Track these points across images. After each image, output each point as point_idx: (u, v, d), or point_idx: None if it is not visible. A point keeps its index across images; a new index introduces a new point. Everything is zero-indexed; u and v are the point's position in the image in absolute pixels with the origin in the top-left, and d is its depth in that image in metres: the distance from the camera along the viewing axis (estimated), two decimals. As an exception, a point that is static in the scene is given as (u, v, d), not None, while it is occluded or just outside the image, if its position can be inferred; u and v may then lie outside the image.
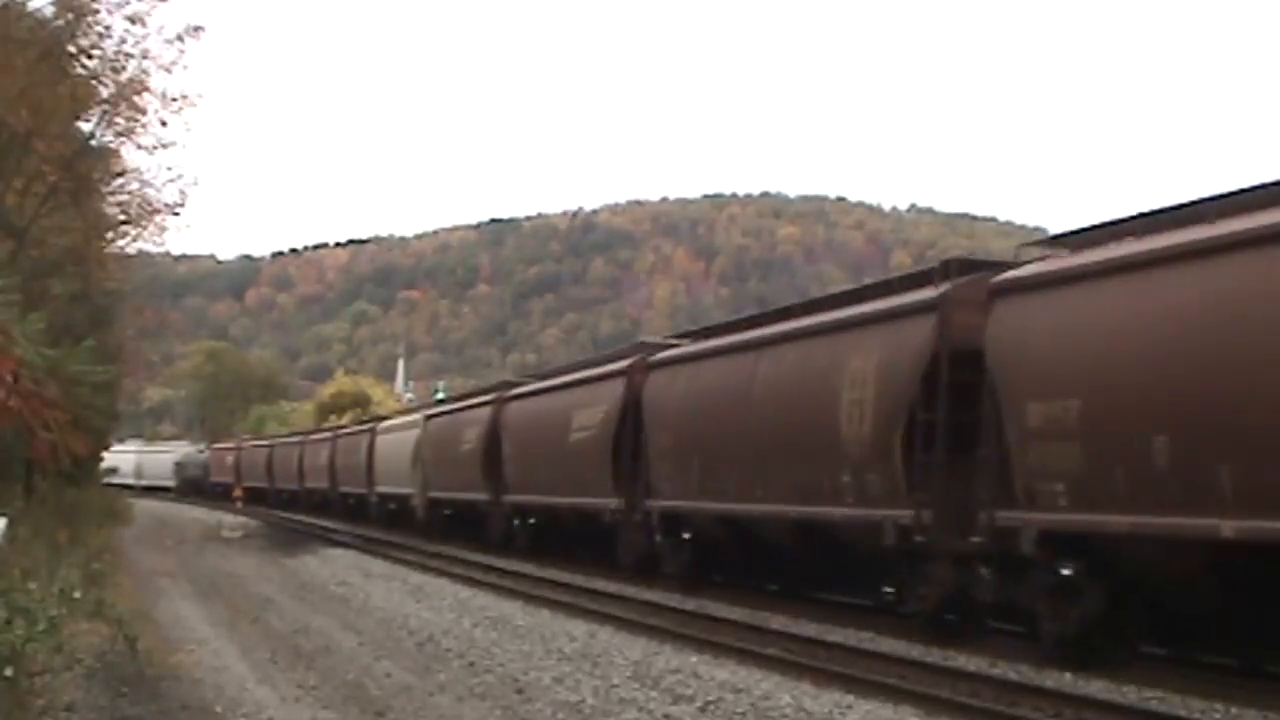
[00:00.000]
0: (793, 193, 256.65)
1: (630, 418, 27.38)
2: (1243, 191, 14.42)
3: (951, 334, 17.51)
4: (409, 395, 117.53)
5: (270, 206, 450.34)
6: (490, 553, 33.88)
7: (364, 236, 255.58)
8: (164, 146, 32.97)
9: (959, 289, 17.83)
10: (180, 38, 31.60)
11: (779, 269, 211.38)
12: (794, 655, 16.10)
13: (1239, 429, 13.02)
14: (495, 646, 17.24)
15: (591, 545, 29.79)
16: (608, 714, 12.64)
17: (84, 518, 34.12)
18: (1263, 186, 14.14)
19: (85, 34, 31.43)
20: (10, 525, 18.17)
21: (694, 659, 16.09)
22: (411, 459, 45.16)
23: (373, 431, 53.50)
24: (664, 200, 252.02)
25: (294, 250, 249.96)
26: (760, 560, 23.52)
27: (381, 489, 50.30)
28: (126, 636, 14.20)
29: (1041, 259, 17.33)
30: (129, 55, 31.59)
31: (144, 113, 32.22)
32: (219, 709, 12.41)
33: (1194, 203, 15.00)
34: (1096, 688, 13.90)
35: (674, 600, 22.86)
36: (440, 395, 74.73)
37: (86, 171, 34.43)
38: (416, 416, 48.83)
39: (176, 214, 35.67)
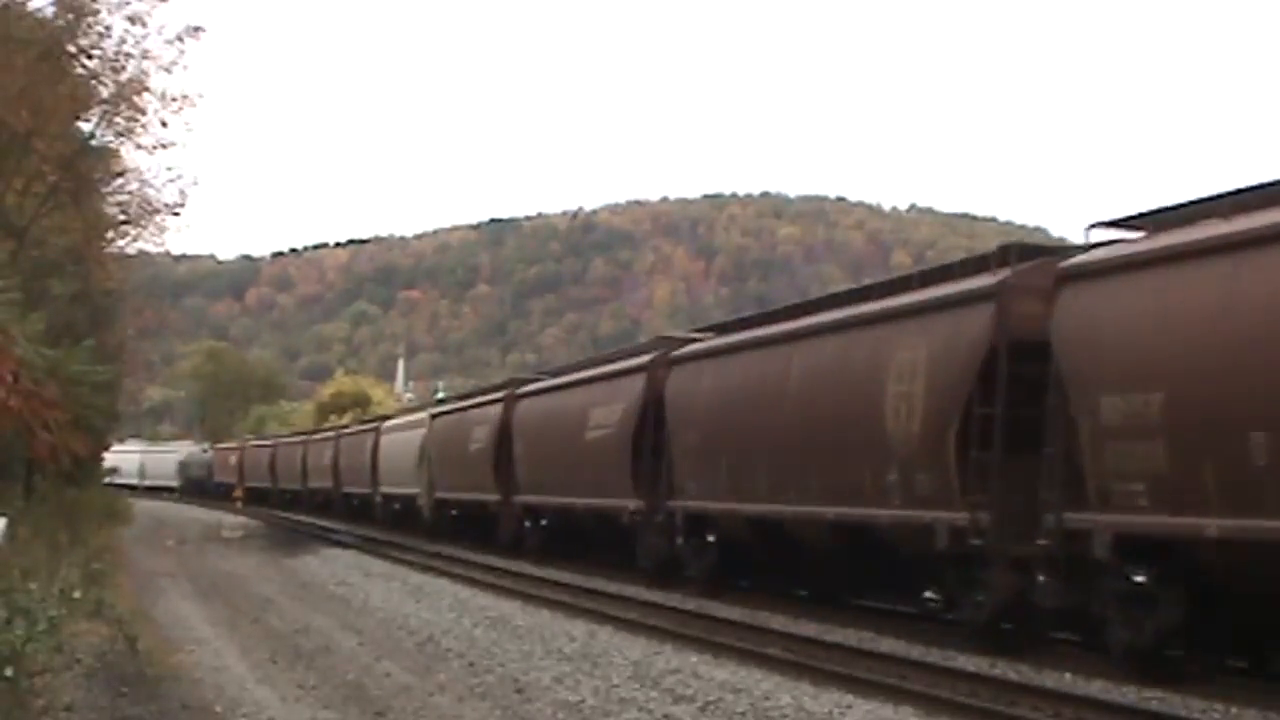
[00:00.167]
0: (793, 193, 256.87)
1: (651, 415, 26.36)
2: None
3: (1011, 323, 16.46)
4: (409, 395, 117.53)
5: (270, 206, 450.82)
6: (490, 553, 33.85)
7: (364, 236, 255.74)
8: (164, 146, 33.04)
9: (1020, 275, 16.72)
10: (180, 38, 31.71)
11: (779, 269, 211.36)
12: (794, 655, 16.09)
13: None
14: (495, 646, 17.24)
15: (608, 548, 29.04)
16: (608, 714, 12.63)
17: (84, 518, 34.10)
18: None
19: (85, 34, 31.49)
20: (10, 525, 18.18)
21: (694, 659, 16.08)
22: (417, 458, 44.48)
23: (377, 431, 52.76)
24: (664, 200, 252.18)
25: (294, 250, 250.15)
26: (790, 564, 22.55)
27: (386, 489, 49.72)
28: (126, 636, 14.21)
29: (1110, 243, 16.05)
30: (129, 55, 31.69)
31: (144, 113, 32.28)
32: (219, 709, 12.40)
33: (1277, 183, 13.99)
34: (1096, 688, 13.91)
35: (674, 600, 22.87)
36: (440, 395, 74.62)
37: (86, 171, 34.47)
38: (422, 415, 47.97)
39: (176, 214, 35.81)
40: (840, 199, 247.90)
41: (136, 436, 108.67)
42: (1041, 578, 15.69)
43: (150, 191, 35.57)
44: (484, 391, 44.22)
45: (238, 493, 76.67)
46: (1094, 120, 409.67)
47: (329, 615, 21.38)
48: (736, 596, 22.70)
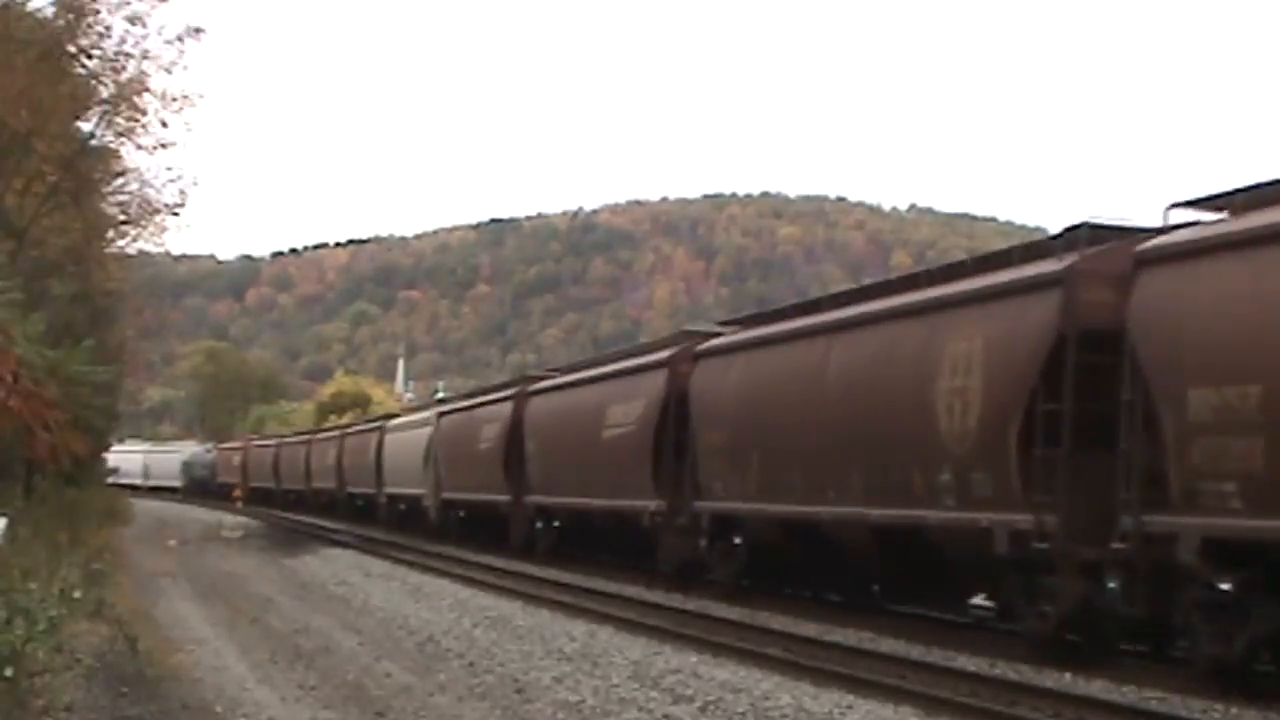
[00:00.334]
0: (793, 193, 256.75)
1: (674, 412, 25.20)
2: None
3: (1079, 311, 15.36)
4: (409, 395, 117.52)
5: (270, 206, 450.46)
6: (490, 552, 33.82)
7: (364, 236, 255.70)
8: (164, 146, 33.09)
9: (1090, 260, 15.57)
10: (180, 38, 31.75)
11: (779, 269, 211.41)
12: (794, 655, 16.08)
13: None
14: (495, 646, 17.24)
15: (625, 550, 28.34)
16: (608, 714, 12.64)
17: (84, 518, 34.11)
18: None
19: (85, 34, 31.52)
20: (10, 525, 18.23)
21: (694, 659, 16.08)
22: (424, 458, 43.54)
23: (382, 430, 51.86)
24: (664, 200, 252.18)
25: (294, 250, 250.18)
26: (824, 568, 21.60)
27: (391, 490, 48.99)
28: (126, 636, 14.22)
29: (1190, 224, 14.91)
30: (129, 55, 31.74)
31: (144, 113, 32.31)
32: (219, 709, 12.41)
33: None
34: (1097, 687, 13.90)
35: (675, 600, 22.86)
36: (440, 395, 74.58)
37: (86, 171, 34.51)
38: (429, 414, 46.95)
39: (176, 214, 35.90)
40: (840, 199, 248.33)
41: (137, 436, 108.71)
42: (1112, 584, 14.78)
43: (150, 191, 35.70)
44: (494, 389, 43.06)
45: (237, 492, 76.58)
46: (1093, 120, 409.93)
47: (329, 615, 21.39)
48: (737, 597, 22.65)
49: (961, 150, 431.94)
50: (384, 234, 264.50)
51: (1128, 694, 13.59)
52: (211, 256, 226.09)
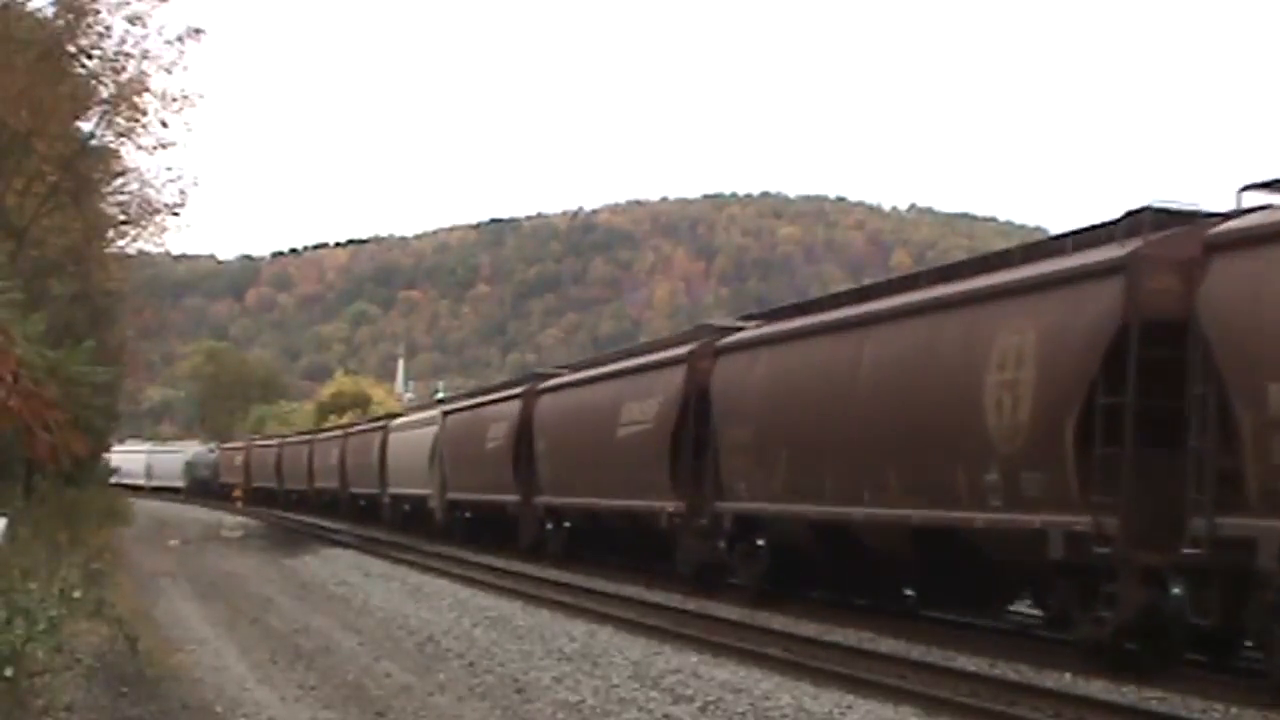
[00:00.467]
0: (793, 193, 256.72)
1: (693, 409, 24.36)
2: None
3: (1142, 300, 14.47)
4: (409, 395, 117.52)
5: (270, 206, 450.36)
6: (490, 552, 33.82)
7: (364, 236, 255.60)
8: (164, 146, 33.11)
9: (1155, 246, 14.71)
10: (180, 38, 31.77)
11: (779, 269, 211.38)
12: (794, 655, 16.09)
13: None
14: (495, 646, 17.24)
15: (639, 552, 27.75)
16: (608, 714, 12.64)
17: (84, 518, 34.11)
18: None
19: (85, 34, 31.53)
20: (10, 525, 18.20)
21: (694, 659, 16.08)
22: (429, 458, 42.92)
23: (385, 429, 51.30)
24: (664, 200, 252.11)
25: (294, 250, 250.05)
26: (854, 571, 20.88)
27: (395, 490, 48.51)
28: (126, 636, 14.19)
29: (1264, 208, 14.09)
30: (129, 55, 31.76)
31: (144, 113, 32.32)
32: (219, 709, 12.42)
33: None
34: (1097, 687, 13.90)
35: (675, 600, 22.85)
36: (440, 395, 74.57)
37: (86, 171, 34.51)
38: (433, 413, 46.19)
39: (176, 214, 35.89)
40: (840, 199, 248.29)
41: (137, 436, 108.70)
42: (1178, 590, 13.99)
43: (150, 191, 35.69)
44: (501, 387, 42.29)
45: (237, 492, 76.54)
46: (1094, 120, 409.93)
47: (329, 615, 21.39)
48: (735, 596, 22.65)
49: (961, 150, 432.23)
50: (384, 234, 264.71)
51: (1127, 694, 13.59)
52: (211, 256, 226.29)
